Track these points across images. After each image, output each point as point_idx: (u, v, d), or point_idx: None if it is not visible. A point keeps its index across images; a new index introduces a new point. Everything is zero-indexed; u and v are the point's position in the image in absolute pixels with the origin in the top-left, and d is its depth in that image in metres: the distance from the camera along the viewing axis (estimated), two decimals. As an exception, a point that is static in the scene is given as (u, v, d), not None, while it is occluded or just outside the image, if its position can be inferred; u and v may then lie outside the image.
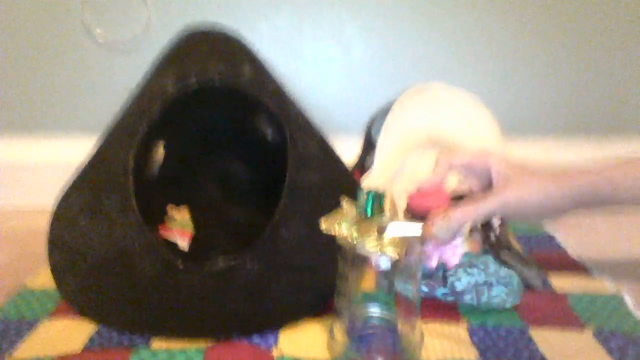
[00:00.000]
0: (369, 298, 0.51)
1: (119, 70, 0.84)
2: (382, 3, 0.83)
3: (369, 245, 0.43)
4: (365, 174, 0.79)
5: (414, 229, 0.44)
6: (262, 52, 0.85)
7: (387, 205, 0.43)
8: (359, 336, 0.50)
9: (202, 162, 0.78)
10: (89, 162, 0.62)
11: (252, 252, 0.56)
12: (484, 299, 0.55)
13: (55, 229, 0.59)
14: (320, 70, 0.87)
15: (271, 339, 0.51)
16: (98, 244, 0.57)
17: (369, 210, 0.43)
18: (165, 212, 0.70)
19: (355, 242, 0.43)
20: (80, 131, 0.89)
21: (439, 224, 0.49)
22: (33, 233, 0.79)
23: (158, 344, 0.51)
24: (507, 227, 0.78)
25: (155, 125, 0.64)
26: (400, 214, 0.47)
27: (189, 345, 0.50)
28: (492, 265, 0.56)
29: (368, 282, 0.53)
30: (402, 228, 0.44)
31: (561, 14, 0.84)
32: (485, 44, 0.86)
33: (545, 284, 0.62)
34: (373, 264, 0.45)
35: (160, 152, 0.70)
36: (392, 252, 0.42)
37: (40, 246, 0.71)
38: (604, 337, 0.52)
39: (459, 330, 0.53)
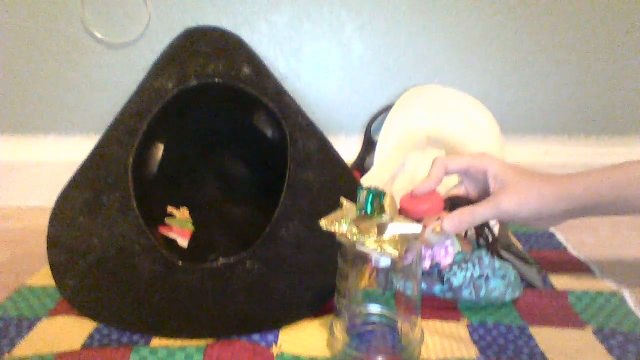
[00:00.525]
0: (369, 296, 0.51)
1: (119, 70, 0.84)
2: (382, 3, 0.83)
3: (369, 244, 0.43)
4: (366, 174, 0.79)
5: (415, 227, 0.44)
6: (262, 52, 0.85)
7: (387, 204, 0.43)
8: (359, 334, 0.50)
9: (202, 162, 0.78)
10: (89, 162, 0.62)
11: (252, 252, 0.56)
12: (482, 293, 0.55)
13: (55, 228, 0.59)
14: (320, 70, 0.87)
15: (271, 338, 0.51)
16: (98, 243, 0.57)
17: (369, 208, 0.43)
18: (165, 212, 0.70)
19: (355, 241, 0.43)
20: (80, 131, 0.89)
21: (431, 234, 0.48)
22: (33, 232, 0.79)
23: (158, 342, 0.51)
24: (507, 226, 0.78)
25: (155, 125, 0.65)
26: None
27: (189, 343, 0.50)
28: (486, 258, 0.56)
29: (368, 281, 0.53)
30: (403, 227, 0.44)
31: (561, 14, 0.85)
32: (485, 44, 0.86)
33: (546, 282, 0.62)
34: (373, 262, 0.45)
35: (160, 152, 0.70)
36: (392, 251, 0.42)
37: (40, 246, 0.72)
38: (604, 336, 0.52)
39: (460, 329, 0.53)
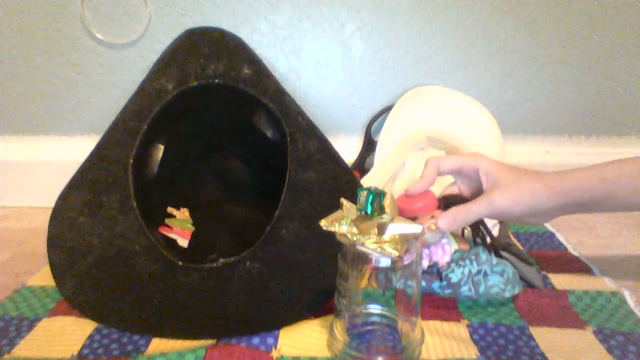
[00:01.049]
0: (369, 296, 0.51)
1: (119, 70, 0.84)
2: (382, 3, 0.83)
3: (369, 244, 0.42)
4: (366, 174, 0.79)
5: (414, 227, 0.44)
6: (262, 52, 0.85)
7: (387, 204, 0.43)
8: (359, 334, 0.50)
9: (202, 162, 0.78)
10: (89, 162, 0.62)
11: (252, 252, 0.56)
12: (481, 289, 0.55)
13: (55, 228, 0.59)
14: (320, 70, 0.87)
15: (270, 341, 0.51)
16: (98, 244, 0.58)
17: (369, 208, 0.43)
18: (165, 212, 0.70)
19: (355, 241, 0.43)
20: (80, 131, 0.89)
21: (426, 232, 0.49)
22: (33, 232, 0.79)
23: (156, 345, 0.51)
24: (506, 225, 0.78)
25: (155, 125, 0.65)
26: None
27: (187, 348, 0.49)
28: (483, 255, 0.57)
29: (368, 281, 0.53)
30: (403, 227, 0.44)
31: (561, 14, 0.85)
32: (485, 44, 0.86)
33: (546, 282, 0.62)
34: (373, 262, 0.45)
35: (160, 152, 0.70)
36: (392, 251, 0.42)
37: (40, 246, 0.72)
38: (604, 336, 0.51)
39: (460, 329, 0.53)
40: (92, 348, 0.50)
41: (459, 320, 0.54)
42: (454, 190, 0.57)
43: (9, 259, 0.71)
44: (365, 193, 0.43)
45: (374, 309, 0.52)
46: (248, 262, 0.56)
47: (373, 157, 0.84)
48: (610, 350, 0.49)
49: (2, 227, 0.82)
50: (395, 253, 0.42)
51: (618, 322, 0.54)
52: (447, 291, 0.56)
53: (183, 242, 0.66)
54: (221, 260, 0.56)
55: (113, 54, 0.83)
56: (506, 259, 0.63)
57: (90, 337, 0.52)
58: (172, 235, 0.66)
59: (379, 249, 0.42)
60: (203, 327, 0.53)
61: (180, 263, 0.55)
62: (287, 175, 0.60)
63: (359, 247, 0.43)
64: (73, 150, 0.88)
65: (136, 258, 0.56)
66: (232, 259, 0.56)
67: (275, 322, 0.53)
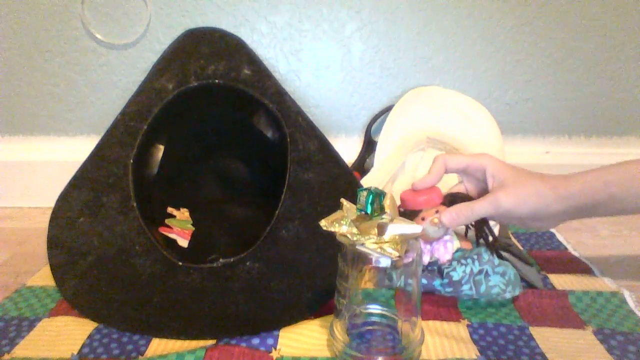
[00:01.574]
0: (369, 296, 0.51)
1: (119, 70, 0.84)
2: (382, 3, 0.83)
3: (369, 244, 0.42)
4: (366, 175, 0.79)
5: (415, 228, 0.44)
6: (262, 52, 0.86)
7: (387, 204, 0.43)
8: (359, 334, 0.50)
9: (202, 163, 0.78)
10: (89, 162, 0.62)
11: (252, 252, 0.56)
12: (482, 289, 0.55)
13: (55, 229, 0.59)
14: (320, 70, 0.87)
15: (270, 341, 0.51)
16: (98, 244, 0.58)
17: (369, 208, 0.43)
18: (165, 213, 0.70)
19: (355, 241, 0.43)
20: (80, 131, 0.89)
21: (429, 226, 0.49)
22: (33, 232, 0.79)
23: (155, 346, 0.51)
24: (506, 226, 0.78)
25: (155, 125, 0.65)
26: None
27: (187, 349, 0.49)
28: (485, 255, 0.57)
29: (368, 281, 0.53)
30: (403, 227, 0.44)
31: (561, 14, 0.85)
32: (485, 44, 0.86)
33: (546, 282, 0.62)
34: (373, 262, 0.45)
35: (160, 152, 0.70)
36: (392, 251, 0.42)
37: (40, 246, 0.72)
38: (604, 336, 0.52)
39: (460, 329, 0.53)
40: (92, 348, 0.50)
41: (459, 320, 0.54)
42: (460, 189, 0.57)
43: (9, 259, 0.71)
44: (365, 193, 0.43)
45: (374, 309, 0.52)
46: (248, 262, 0.56)
47: (373, 157, 0.84)
48: (610, 350, 0.49)
49: (2, 227, 0.82)
50: (395, 253, 0.42)
51: (618, 322, 0.54)
52: (448, 289, 0.56)
53: (183, 242, 0.66)
54: (221, 260, 0.56)
55: (113, 54, 0.83)
56: (506, 259, 0.63)
57: (90, 337, 0.52)
58: (172, 236, 0.66)
59: (379, 249, 0.42)
60: (203, 327, 0.53)
61: (180, 263, 0.55)
62: (287, 175, 0.60)
63: (359, 247, 0.43)
64: (73, 150, 0.88)
65: (136, 258, 0.56)
66: (232, 259, 0.56)
67: (275, 322, 0.53)
